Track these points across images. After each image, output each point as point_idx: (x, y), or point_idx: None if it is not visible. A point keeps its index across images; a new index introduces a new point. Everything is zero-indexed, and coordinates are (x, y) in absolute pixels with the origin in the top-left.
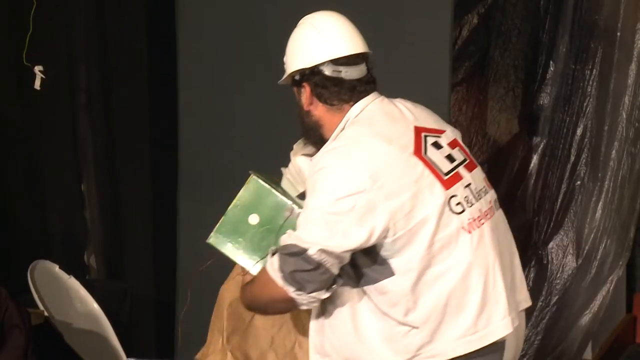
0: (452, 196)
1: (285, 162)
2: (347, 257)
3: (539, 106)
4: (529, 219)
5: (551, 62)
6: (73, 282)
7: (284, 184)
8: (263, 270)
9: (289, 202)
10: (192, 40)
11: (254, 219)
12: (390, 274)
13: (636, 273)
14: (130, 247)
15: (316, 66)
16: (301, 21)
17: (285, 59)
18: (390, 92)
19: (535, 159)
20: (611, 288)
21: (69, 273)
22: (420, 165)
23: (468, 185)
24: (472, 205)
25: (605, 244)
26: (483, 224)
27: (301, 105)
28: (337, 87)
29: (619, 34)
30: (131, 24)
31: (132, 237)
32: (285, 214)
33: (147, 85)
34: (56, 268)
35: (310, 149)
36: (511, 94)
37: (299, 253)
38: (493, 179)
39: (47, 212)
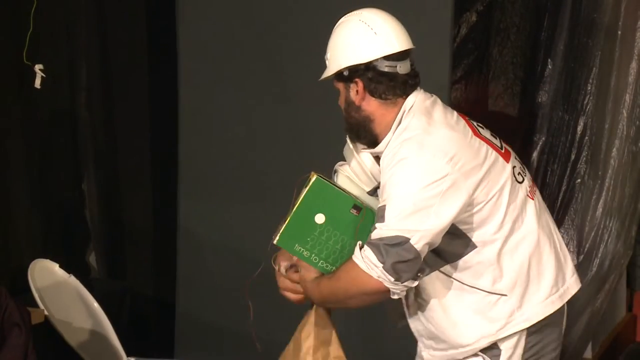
0: (513, 167)
1: (286, 159)
2: (439, 240)
3: (537, 104)
4: None
5: (549, 60)
6: (73, 281)
7: (342, 182)
8: (351, 265)
9: (355, 201)
10: (192, 38)
11: (320, 219)
12: (473, 247)
13: (636, 272)
14: (130, 246)
15: (371, 62)
16: (347, 19)
17: (329, 55)
18: None
19: (534, 157)
20: (612, 287)
21: (69, 272)
22: (483, 144)
23: (516, 159)
24: (525, 174)
25: (606, 242)
26: (535, 192)
27: (350, 100)
28: (393, 82)
29: (619, 32)
30: (131, 23)
31: (132, 236)
32: (352, 212)
33: (147, 84)
34: (56, 267)
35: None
36: (510, 91)
37: (402, 243)
38: None
39: (47, 210)
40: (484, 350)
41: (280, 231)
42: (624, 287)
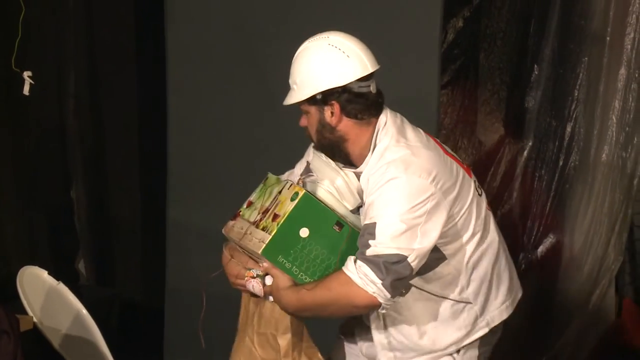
0: (474, 181)
1: (275, 165)
2: (427, 257)
3: (524, 109)
4: (518, 222)
5: (536, 66)
6: (62, 288)
7: (324, 197)
8: (344, 278)
9: (338, 217)
10: (181, 45)
11: (304, 232)
12: (444, 259)
13: (625, 278)
14: (119, 253)
15: (346, 85)
16: (314, 43)
17: (298, 80)
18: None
19: (521, 162)
20: (602, 292)
21: (57, 279)
22: (452, 162)
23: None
24: (481, 188)
25: (595, 248)
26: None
27: (325, 122)
28: (366, 102)
29: (608, 38)
30: (120, 29)
31: (121, 243)
32: (334, 228)
33: (135, 91)
34: (45, 274)
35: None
36: (496, 96)
37: (400, 261)
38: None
39: (36, 217)
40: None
41: (267, 242)
42: (612, 293)
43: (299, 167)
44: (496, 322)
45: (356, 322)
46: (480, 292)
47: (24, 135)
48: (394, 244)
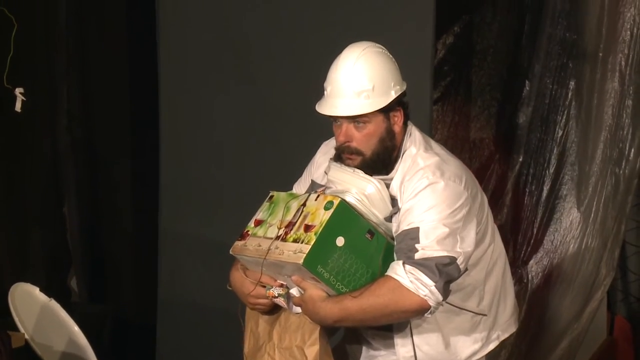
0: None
1: (269, 175)
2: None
3: (514, 125)
4: (508, 238)
5: (527, 82)
6: (53, 305)
7: (356, 206)
8: (393, 283)
9: (370, 225)
10: (173, 60)
11: (340, 241)
12: (464, 269)
13: (617, 295)
14: (111, 269)
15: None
16: (369, 50)
17: (371, 86)
18: None
19: (512, 178)
20: (594, 309)
21: (49, 296)
22: (468, 169)
23: None
24: None
25: (587, 264)
26: None
27: (390, 129)
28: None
29: (600, 54)
30: (112, 44)
31: (113, 259)
32: (366, 236)
33: (128, 107)
34: (36, 291)
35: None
36: (486, 112)
37: (451, 263)
38: None
39: (28, 234)
40: None
41: (307, 252)
42: (604, 310)
43: (301, 186)
44: (506, 336)
45: (355, 338)
46: (492, 304)
47: (16, 152)
48: (441, 247)
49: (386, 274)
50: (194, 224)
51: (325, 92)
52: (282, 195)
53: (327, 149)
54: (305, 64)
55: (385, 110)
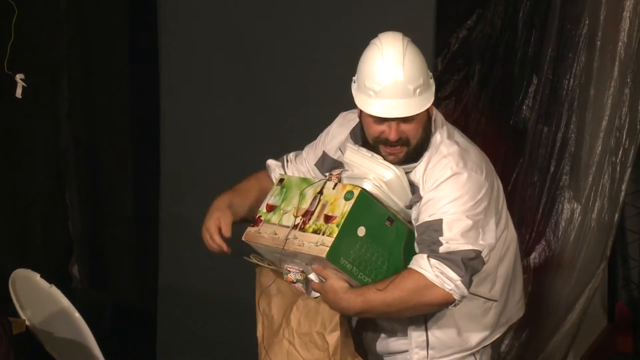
0: None
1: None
2: None
3: (522, 119)
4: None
5: (534, 76)
6: (54, 291)
7: (374, 193)
8: (417, 276)
9: (389, 213)
10: (174, 46)
11: (361, 231)
12: (487, 261)
13: (618, 283)
14: (112, 256)
15: None
16: (407, 39)
17: (422, 81)
18: None
19: (517, 170)
20: (590, 296)
21: (50, 282)
22: (485, 156)
23: None
24: None
25: (584, 253)
26: None
27: (429, 115)
28: None
29: (599, 43)
30: (113, 31)
31: (114, 246)
32: (386, 223)
33: (129, 93)
34: (37, 277)
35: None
36: (497, 107)
37: (476, 257)
38: None
39: (29, 220)
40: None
41: (330, 245)
42: (605, 297)
43: (311, 154)
44: (514, 320)
45: (369, 322)
46: (503, 289)
47: (16, 139)
48: (466, 240)
49: (410, 267)
50: (195, 211)
51: (370, 92)
52: (294, 179)
53: (344, 121)
54: (305, 58)
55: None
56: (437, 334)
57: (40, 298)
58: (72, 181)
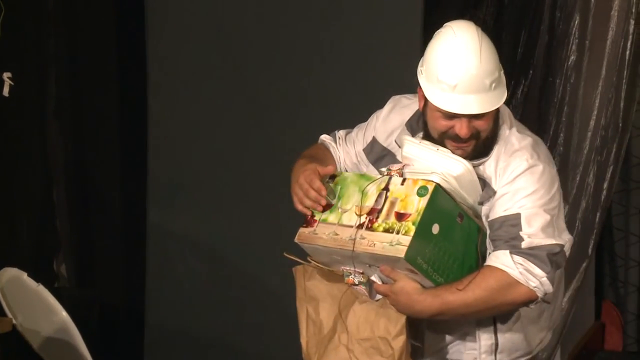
0: None
1: (256, 167)
2: None
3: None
4: None
5: (524, 76)
6: (41, 290)
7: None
8: (500, 274)
9: (460, 208)
10: (161, 47)
11: (435, 229)
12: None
13: (605, 281)
14: (100, 255)
15: None
16: (480, 29)
17: (498, 74)
18: (367, 97)
19: None
20: (574, 294)
21: (37, 281)
22: None
23: None
24: None
25: (571, 253)
26: None
27: (499, 111)
28: None
29: (587, 42)
30: (101, 31)
31: (102, 245)
32: (457, 220)
33: (117, 92)
34: (24, 276)
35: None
36: None
37: (560, 252)
38: None
39: (16, 219)
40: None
41: (408, 244)
42: (592, 295)
43: (360, 136)
44: (557, 323)
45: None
46: (555, 292)
47: (4, 138)
48: (547, 235)
49: (490, 264)
50: (182, 210)
51: (444, 85)
52: (350, 175)
53: (398, 107)
54: (293, 59)
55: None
56: (507, 335)
57: (28, 297)
58: (60, 180)
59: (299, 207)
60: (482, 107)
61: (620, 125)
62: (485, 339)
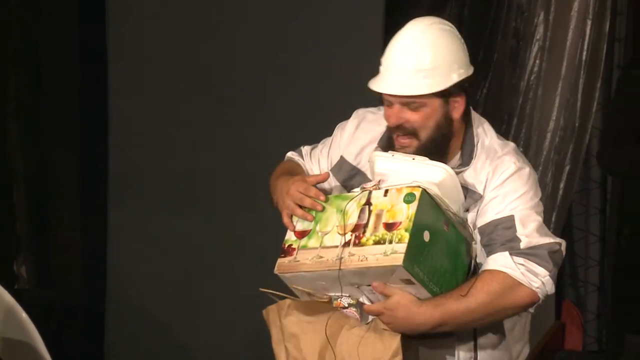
0: None
1: (219, 167)
2: None
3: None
4: None
5: (485, 79)
6: (1, 292)
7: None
8: (502, 277)
9: (444, 215)
10: (122, 47)
11: (427, 236)
12: None
13: (565, 281)
14: (60, 256)
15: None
16: (436, 27)
17: (431, 67)
18: (337, 95)
19: None
20: None
21: None
22: None
23: None
24: None
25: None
26: None
27: (448, 116)
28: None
29: (547, 44)
30: (62, 31)
31: (62, 246)
32: (443, 227)
33: (77, 93)
34: None
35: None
36: None
37: (558, 251)
38: None
39: None
40: None
41: (404, 251)
42: (552, 295)
43: (324, 155)
44: (528, 329)
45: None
46: None
47: None
48: (542, 235)
49: (489, 268)
50: (143, 211)
51: (380, 68)
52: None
53: (365, 124)
54: (257, 58)
55: (445, 95)
56: (489, 352)
57: None
58: (19, 180)
59: (287, 220)
60: (398, 89)
61: (577, 125)
62: (464, 354)
